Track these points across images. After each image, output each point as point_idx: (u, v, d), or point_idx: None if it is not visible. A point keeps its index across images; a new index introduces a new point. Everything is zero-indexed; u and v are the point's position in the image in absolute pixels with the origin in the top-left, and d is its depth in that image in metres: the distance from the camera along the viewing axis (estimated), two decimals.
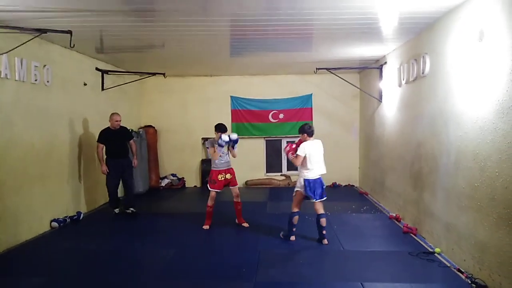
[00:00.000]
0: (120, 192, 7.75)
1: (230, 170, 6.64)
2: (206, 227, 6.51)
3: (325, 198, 5.77)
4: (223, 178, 6.50)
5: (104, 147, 7.22)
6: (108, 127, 7.32)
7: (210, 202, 6.51)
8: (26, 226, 5.91)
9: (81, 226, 6.80)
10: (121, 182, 7.49)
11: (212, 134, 10.68)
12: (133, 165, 7.63)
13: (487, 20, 4.08)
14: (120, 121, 7.36)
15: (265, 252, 5.36)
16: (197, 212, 7.73)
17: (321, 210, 5.73)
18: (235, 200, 6.62)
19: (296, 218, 5.81)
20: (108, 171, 7.21)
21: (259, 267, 4.80)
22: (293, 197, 5.88)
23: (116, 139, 7.29)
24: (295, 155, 5.68)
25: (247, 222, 6.66)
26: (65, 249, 5.62)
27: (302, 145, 5.69)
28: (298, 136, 10.47)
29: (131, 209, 7.47)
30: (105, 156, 7.27)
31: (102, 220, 7.01)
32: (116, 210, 7.45)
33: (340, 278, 4.51)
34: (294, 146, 5.82)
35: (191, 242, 5.89)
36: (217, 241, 5.95)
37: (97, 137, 7.29)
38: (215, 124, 6.63)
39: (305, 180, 5.65)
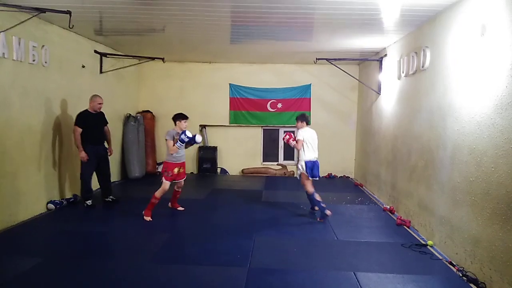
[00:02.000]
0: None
1: (184, 164, 6.52)
2: (148, 218, 6.13)
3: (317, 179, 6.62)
4: (177, 172, 6.33)
5: (81, 132, 6.61)
6: (87, 109, 6.75)
7: (159, 194, 6.17)
8: (23, 207, 5.91)
9: (77, 208, 6.81)
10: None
11: (210, 120, 10.90)
12: (108, 152, 7.17)
13: (489, 15, 4.07)
14: (102, 104, 6.85)
15: (260, 239, 5.40)
16: (192, 199, 7.76)
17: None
18: (177, 189, 6.65)
19: (317, 195, 6.49)
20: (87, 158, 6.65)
21: (253, 254, 4.83)
22: (301, 182, 6.57)
23: (95, 124, 6.79)
24: (295, 140, 6.48)
25: (182, 206, 6.83)
26: (61, 231, 5.63)
27: (299, 131, 6.52)
28: (296, 126, 10.66)
29: (111, 197, 7.14)
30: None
31: (98, 203, 7.00)
32: (89, 202, 6.82)
33: (333, 267, 4.55)
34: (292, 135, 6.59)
35: (185, 228, 5.93)
36: (211, 227, 5.97)
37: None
38: (177, 114, 6.36)
39: (306, 161, 6.42)
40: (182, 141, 6.00)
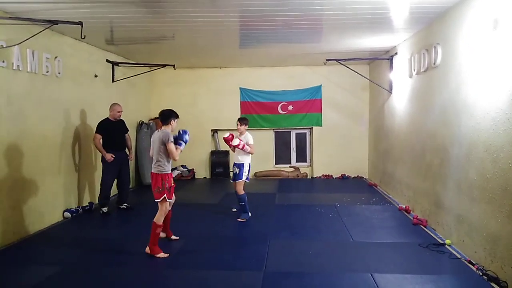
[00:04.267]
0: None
1: None
2: (162, 255, 4.86)
3: None
4: (174, 185, 5.19)
5: (101, 139, 6.81)
6: (107, 118, 6.98)
7: (161, 219, 4.98)
8: (39, 216, 6.00)
9: (93, 216, 6.89)
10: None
11: (221, 125, 10.92)
12: (129, 159, 7.36)
13: (501, 8, 4.01)
14: (121, 112, 7.07)
15: (274, 242, 5.38)
16: (206, 203, 7.79)
17: None
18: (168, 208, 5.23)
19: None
20: (111, 159, 6.77)
21: (268, 258, 4.82)
22: (240, 185, 6.44)
23: (115, 131, 6.98)
24: (249, 145, 6.37)
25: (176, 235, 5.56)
26: (78, 238, 5.70)
27: (249, 135, 6.51)
28: (308, 128, 10.59)
29: (125, 204, 7.24)
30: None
31: (113, 211, 7.07)
32: (105, 209, 6.86)
33: (350, 269, 4.51)
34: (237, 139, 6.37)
35: (199, 233, 5.93)
36: (226, 232, 5.98)
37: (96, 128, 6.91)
38: (169, 111, 5.20)
39: (249, 164, 6.53)
40: (186, 142, 5.19)
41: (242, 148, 6.33)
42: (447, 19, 5.33)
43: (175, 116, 5.17)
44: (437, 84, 5.71)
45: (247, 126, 6.57)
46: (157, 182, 4.97)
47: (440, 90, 5.60)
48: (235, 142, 6.29)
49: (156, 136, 5.05)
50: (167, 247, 5.20)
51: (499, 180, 4.02)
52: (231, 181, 6.68)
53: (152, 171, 5.06)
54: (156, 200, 4.99)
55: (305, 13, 5.49)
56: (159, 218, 4.95)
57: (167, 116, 5.11)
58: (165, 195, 4.95)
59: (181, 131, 5.23)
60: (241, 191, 6.46)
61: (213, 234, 5.88)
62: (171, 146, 4.93)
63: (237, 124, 6.57)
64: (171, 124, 5.10)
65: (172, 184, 5.09)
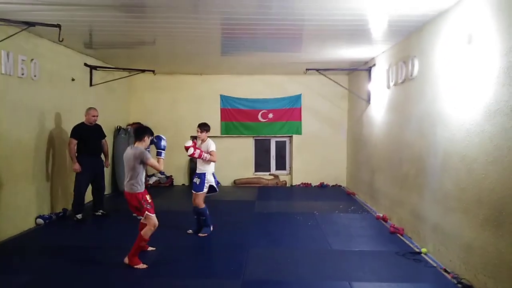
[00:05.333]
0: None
1: None
2: (142, 266, 4.69)
3: None
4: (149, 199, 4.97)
5: (76, 144, 6.65)
6: (83, 122, 6.83)
7: (149, 234, 4.80)
8: (11, 223, 5.81)
9: (66, 223, 6.70)
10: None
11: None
12: (105, 165, 7.22)
13: (476, 24, 4.14)
14: (97, 116, 6.91)
15: (253, 250, 5.36)
16: (184, 211, 7.69)
17: None
18: (144, 221, 4.90)
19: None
20: (80, 169, 6.62)
21: (246, 266, 4.79)
22: (199, 198, 5.93)
23: (91, 136, 6.81)
24: (208, 153, 5.90)
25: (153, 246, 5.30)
26: (50, 246, 5.53)
27: (211, 141, 6.07)
28: (288, 136, 10.48)
29: (101, 211, 7.08)
30: (76, 154, 6.72)
31: (88, 218, 6.91)
32: (79, 216, 6.68)
33: (328, 277, 4.53)
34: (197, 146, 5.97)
35: (178, 241, 5.85)
36: (204, 239, 5.92)
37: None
38: (143, 127, 5.16)
39: (214, 174, 6.08)
40: (164, 148, 5.03)
41: (199, 157, 5.86)
42: (424, 33, 5.47)
43: (150, 133, 4.96)
44: (414, 95, 5.84)
45: (208, 132, 6.12)
46: (132, 201, 4.81)
47: (416, 102, 5.73)
48: (189, 151, 5.82)
49: (130, 153, 4.79)
50: (143, 256, 5.10)
51: (473, 190, 4.12)
52: (192, 191, 6.04)
53: (125, 189, 4.84)
54: (139, 217, 4.91)
55: (285, 23, 5.54)
56: (147, 233, 4.77)
57: (141, 132, 4.92)
58: (147, 212, 4.78)
59: (155, 139, 5.00)
60: (201, 204, 5.93)
61: (192, 242, 5.81)
62: (152, 162, 4.83)
63: (197, 131, 6.10)
64: (144, 141, 4.87)
65: (149, 200, 4.86)
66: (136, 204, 4.79)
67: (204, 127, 6.14)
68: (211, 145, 6.01)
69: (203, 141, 6.11)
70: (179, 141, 10.85)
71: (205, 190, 5.97)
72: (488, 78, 3.88)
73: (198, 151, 5.86)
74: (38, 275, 4.48)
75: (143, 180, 4.88)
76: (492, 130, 3.81)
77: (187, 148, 5.90)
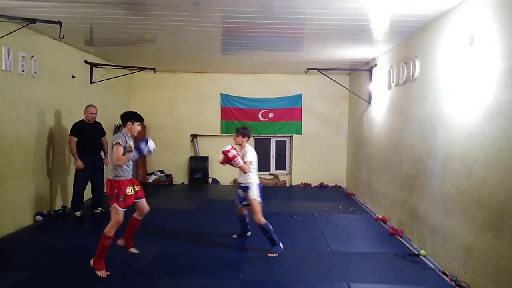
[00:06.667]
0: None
1: (135, 180, 4.88)
2: (102, 273, 4.35)
3: None
4: (133, 192, 4.64)
5: (76, 141, 6.63)
6: (82, 119, 6.81)
7: (112, 231, 4.41)
8: (10, 219, 5.80)
9: (65, 220, 6.69)
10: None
11: (201, 130, 10.86)
12: (104, 163, 7.11)
13: (477, 25, 4.12)
14: (96, 113, 6.87)
15: (252, 251, 5.34)
16: (183, 210, 7.68)
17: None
18: (137, 217, 4.89)
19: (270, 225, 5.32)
20: (83, 166, 6.62)
21: (245, 266, 4.78)
22: (253, 209, 5.25)
23: (90, 134, 6.78)
24: (240, 161, 5.20)
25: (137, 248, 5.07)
26: (49, 243, 5.52)
27: (248, 149, 5.38)
28: (288, 136, 10.35)
29: (100, 209, 7.04)
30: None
31: (86, 215, 6.90)
32: (78, 213, 6.68)
33: (327, 278, 4.52)
34: (234, 152, 5.24)
35: (176, 240, 5.84)
36: (203, 239, 5.91)
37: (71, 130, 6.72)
38: (130, 112, 4.77)
39: (258, 184, 5.40)
40: (141, 153, 4.55)
41: (232, 159, 5.17)
42: (426, 33, 5.45)
43: (134, 118, 4.63)
44: (415, 96, 5.82)
45: (245, 138, 5.40)
46: (109, 188, 4.53)
47: (417, 103, 5.71)
48: (230, 152, 5.18)
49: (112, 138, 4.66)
50: (142, 253, 5.09)
51: (473, 193, 4.10)
52: (237, 203, 5.59)
53: (108, 176, 4.62)
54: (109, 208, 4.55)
55: (287, 22, 5.53)
56: (108, 229, 4.39)
57: (124, 118, 4.63)
58: (115, 204, 4.43)
59: (141, 140, 4.64)
60: (260, 220, 5.20)
61: (189, 241, 5.80)
62: (114, 150, 4.41)
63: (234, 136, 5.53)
64: (128, 127, 4.59)
65: (129, 193, 4.53)
66: (109, 191, 4.51)
67: (239, 130, 5.47)
68: (249, 153, 5.33)
69: (241, 147, 5.46)
70: (179, 140, 10.93)
71: (258, 199, 5.32)
72: (489, 80, 3.86)
73: (234, 151, 5.21)
74: (35, 272, 4.46)
75: (126, 168, 4.54)
76: (493, 133, 3.79)
77: (225, 152, 5.19)
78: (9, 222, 5.79)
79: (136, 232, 5.05)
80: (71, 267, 4.69)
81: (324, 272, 4.70)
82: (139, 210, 4.86)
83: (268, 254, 5.09)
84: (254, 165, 5.40)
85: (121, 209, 4.46)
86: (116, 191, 4.48)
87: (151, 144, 4.58)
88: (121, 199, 4.47)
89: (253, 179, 5.38)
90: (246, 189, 5.39)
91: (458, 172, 4.41)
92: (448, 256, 4.60)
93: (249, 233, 5.95)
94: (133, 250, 5.01)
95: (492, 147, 3.80)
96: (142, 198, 4.82)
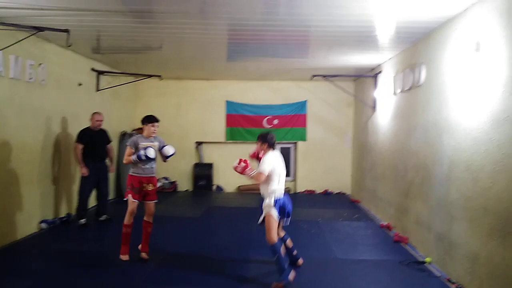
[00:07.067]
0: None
1: (153, 180, 5.22)
2: (124, 257, 5.07)
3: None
4: (144, 189, 5.12)
5: (82, 149, 6.66)
6: (89, 127, 6.84)
7: (128, 220, 5.06)
8: (15, 227, 5.82)
9: (70, 228, 6.70)
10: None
11: (206, 137, 10.89)
12: (110, 170, 7.20)
13: (483, 32, 4.13)
14: (102, 121, 6.91)
15: (257, 258, 5.32)
16: (187, 217, 7.68)
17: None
18: (146, 219, 5.21)
19: (282, 248, 4.64)
20: (88, 173, 6.65)
21: (249, 273, 4.76)
22: (266, 226, 4.60)
23: (96, 141, 6.82)
24: (250, 173, 4.68)
25: (146, 254, 5.19)
26: (53, 251, 5.52)
27: (265, 158, 4.69)
28: (292, 142, 10.23)
29: (105, 216, 7.05)
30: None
31: (91, 223, 6.92)
32: (82, 221, 6.68)
33: (331, 286, 4.50)
34: (249, 160, 4.90)
35: (180, 247, 5.82)
36: (207, 246, 5.90)
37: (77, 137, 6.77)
38: (145, 116, 5.25)
39: (276, 200, 4.64)
40: (139, 157, 4.95)
41: (242, 172, 4.75)
42: (432, 40, 5.46)
43: (147, 120, 5.16)
44: (420, 103, 5.81)
45: (264, 144, 4.79)
46: (127, 182, 5.22)
47: (423, 109, 5.70)
48: (234, 165, 4.84)
49: None
50: (145, 261, 5.10)
51: (479, 200, 4.08)
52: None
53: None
54: None
55: (293, 29, 5.56)
56: (125, 218, 5.09)
57: (141, 121, 5.25)
58: (129, 195, 5.07)
59: (142, 148, 5.03)
60: (270, 238, 4.51)
61: (193, 249, 5.79)
62: (126, 149, 5.12)
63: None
64: (143, 129, 5.19)
65: (139, 186, 5.08)
66: (127, 184, 5.20)
67: (258, 137, 4.93)
68: (263, 162, 4.65)
69: (262, 154, 4.88)
70: (184, 147, 10.95)
71: (262, 219, 4.73)
72: (496, 86, 3.86)
73: (242, 164, 4.77)
74: (40, 279, 4.48)
75: (140, 166, 5.07)
76: (500, 139, 3.78)
77: (234, 169, 4.84)
78: (14, 229, 5.81)
79: (142, 238, 5.25)
80: (74, 274, 4.69)
81: (328, 280, 4.68)
82: (147, 211, 5.21)
83: (273, 286, 4.36)
84: (274, 175, 4.64)
85: (133, 199, 5.06)
86: (131, 184, 5.09)
87: (146, 151, 4.96)
88: (134, 191, 5.06)
89: (269, 189, 4.64)
90: (262, 200, 4.75)
91: (464, 178, 4.39)
92: (453, 264, 4.56)
93: (300, 261, 5.00)
94: (143, 255, 5.18)
95: (499, 153, 3.78)
96: (150, 200, 5.20)
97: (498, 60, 3.84)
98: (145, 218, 5.22)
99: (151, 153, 5.00)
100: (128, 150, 5.07)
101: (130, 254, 5.15)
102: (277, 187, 4.66)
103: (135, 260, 5.16)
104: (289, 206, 4.78)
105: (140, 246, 5.25)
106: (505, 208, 3.64)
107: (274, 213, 4.58)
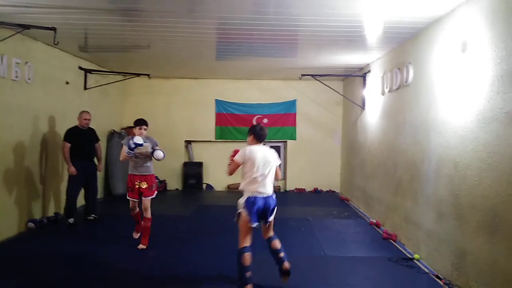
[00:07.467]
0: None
1: (147, 178, 5.57)
2: (135, 235, 5.90)
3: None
4: (137, 186, 5.52)
5: (70, 148, 6.59)
6: (76, 125, 6.79)
7: (132, 213, 5.77)
8: (1, 226, 5.74)
9: (58, 227, 6.63)
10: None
11: (196, 136, 10.86)
12: (98, 169, 7.16)
13: (470, 32, 4.18)
14: (89, 120, 6.85)
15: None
16: (177, 215, 7.66)
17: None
18: (144, 214, 5.56)
19: (247, 256, 4.10)
20: (76, 172, 6.58)
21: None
22: (240, 227, 4.20)
23: (83, 140, 6.77)
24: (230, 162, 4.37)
25: (145, 246, 5.51)
26: (40, 250, 5.45)
27: (245, 148, 4.33)
28: (282, 141, 10.21)
29: (93, 215, 7.02)
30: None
31: (80, 222, 6.85)
32: (71, 220, 6.61)
33: (322, 283, 4.52)
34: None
35: (171, 246, 5.80)
36: (198, 245, 5.88)
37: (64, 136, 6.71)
38: (137, 119, 5.64)
39: (247, 198, 4.21)
40: (129, 147, 5.26)
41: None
42: (419, 40, 5.51)
43: (135, 124, 5.57)
44: (408, 102, 5.87)
45: (250, 135, 4.49)
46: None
47: (411, 108, 5.76)
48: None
49: None
50: (137, 261, 5.07)
51: (467, 197, 4.14)
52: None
53: None
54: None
55: (282, 29, 5.56)
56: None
57: (133, 124, 5.66)
58: (128, 193, 5.63)
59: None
60: (239, 240, 4.18)
61: (185, 248, 5.76)
62: (122, 148, 5.52)
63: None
64: (134, 131, 5.57)
65: (136, 186, 5.53)
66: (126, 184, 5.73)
67: (249, 128, 4.58)
68: (239, 153, 4.36)
69: None
70: (173, 146, 10.89)
71: (236, 219, 4.29)
72: (482, 86, 3.92)
73: (232, 154, 4.49)
74: (27, 279, 4.42)
75: (132, 164, 5.56)
76: (486, 137, 3.84)
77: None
78: (1, 229, 5.72)
79: (132, 237, 5.83)
80: (63, 274, 4.64)
81: (319, 277, 4.70)
82: (142, 206, 5.59)
83: None
84: (248, 170, 4.22)
85: (129, 197, 5.61)
86: (127, 183, 5.64)
87: (133, 139, 5.29)
88: (130, 189, 5.59)
89: (243, 185, 4.28)
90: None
91: (452, 176, 4.45)
92: (442, 260, 4.63)
93: (286, 264, 4.33)
94: (140, 246, 5.56)
95: (485, 152, 3.84)
96: (144, 197, 5.57)
97: (484, 60, 3.90)
98: (144, 214, 5.58)
99: (139, 139, 5.29)
100: (123, 148, 5.44)
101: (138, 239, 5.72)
102: (252, 185, 4.17)
103: (126, 261, 5.14)
104: (265, 208, 4.20)
105: (134, 234, 5.88)
106: (492, 206, 3.71)
107: (244, 213, 4.14)
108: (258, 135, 4.35)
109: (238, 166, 4.31)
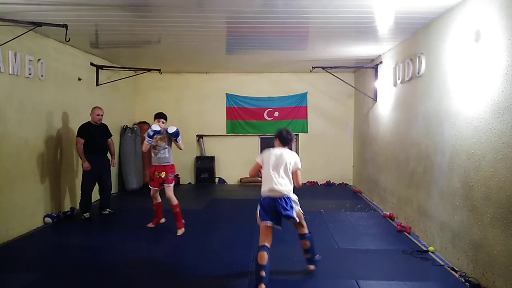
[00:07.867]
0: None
1: (166, 168, 5.99)
2: (150, 225, 6.38)
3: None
4: (158, 176, 6.00)
5: (83, 143, 6.70)
6: (89, 121, 6.87)
7: (153, 202, 6.30)
8: (19, 222, 5.86)
9: (74, 221, 6.75)
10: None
11: (207, 130, 10.90)
12: (111, 164, 7.27)
13: (483, 21, 4.10)
14: (102, 115, 6.92)
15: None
16: (190, 209, 7.71)
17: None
18: (170, 203, 6.02)
19: (265, 255, 4.03)
20: (90, 167, 6.70)
21: (253, 265, 4.78)
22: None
23: (96, 135, 6.85)
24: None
25: (183, 230, 6.03)
26: (58, 244, 5.58)
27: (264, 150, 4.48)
28: (294, 134, 10.31)
29: (108, 210, 7.11)
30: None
31: (95, 216, 6.95)
32: (86, 215, 6.75)
33: (335, 275, 4.52)
34: None
35: (184, 239, 5.86)
36: (210, 238, 5.93)
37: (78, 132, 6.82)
38: (157, 113, 6.06)
39: (261, 198, 4.32)
40: (148, 135, 5.68)
41: None
42: (431, 30, 5.43)
43: (155, 117, 5.95)
44: (421, 93, 5.80)
45: (276, 139, 4.56)
46: None
47: (423, 99, 5.69)
48: None
49: None
50: (150, 253, 5.14)
51: (481, 188, 4.09)
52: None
53: None
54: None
55: (291, 21, 5.53)
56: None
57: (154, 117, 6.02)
58: (150, 183, 6.18)
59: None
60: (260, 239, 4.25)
61: (198, 240, 5.82)
62: (144, 140, 5.92)
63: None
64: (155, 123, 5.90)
65: (156, 176, 6.01)
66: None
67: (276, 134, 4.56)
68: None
69: None
70: (185, 140, 10.83)
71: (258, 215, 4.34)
72: (496, 76, 3.85)
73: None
74: (45, 274, 4.51)
75: (153, 156, 6.01)
76: (501, 128, 3.77)
77: None
78: (18, 225, 5.85)
79: (146, 231, 6.18)
80: (80, 267, 4.72)
81: (332, 269, 4.70)
82: (165, 195, 6.01)
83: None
84: (264, 171, 4.35)
85: (150, 186, 6.15)
86: (150, 173, 6.12)
87: (152, 127, 5.67)
88: (151, 179, 6.10)
89: (262, 186, 4.34)
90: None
91: (466, 167, 4.40)
92: (456, 252, 4.59)
93: (310, 267, 4.58)
94: (179, 232, 6.03)
95: (500, 142, 3.78)
96: (167, 184, 5.99)
97: (498, 49, 3.82)
98: (170, 203, 6.02)
99: (156, 126, 5.68)
100: (144, 139, 5.86)
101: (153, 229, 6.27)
102: (264, 185, 4.27)
103: (139, 253, 5.21)
104: (276, 209, 4.22)
105: (150, 224, 6.39)
106: (507, 197, 3.65)
107: (259, 212, 4.28)
108: (283, 139, 4.43)
109: (259, 167, 4.41)
